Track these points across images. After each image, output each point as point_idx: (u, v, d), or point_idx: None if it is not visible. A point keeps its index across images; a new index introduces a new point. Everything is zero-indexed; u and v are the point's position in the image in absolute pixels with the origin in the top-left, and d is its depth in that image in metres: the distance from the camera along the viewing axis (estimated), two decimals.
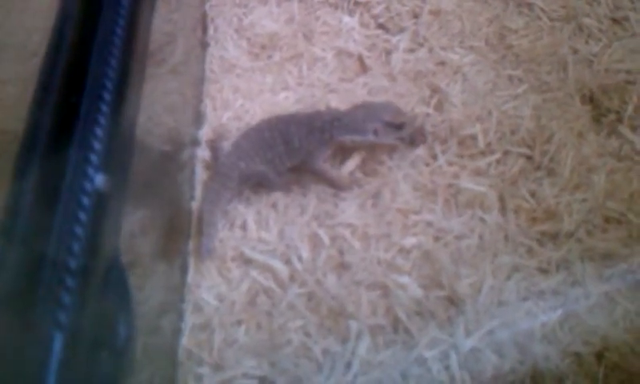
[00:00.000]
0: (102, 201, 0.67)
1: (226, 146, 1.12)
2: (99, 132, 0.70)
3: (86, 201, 0.65)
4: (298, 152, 1.06)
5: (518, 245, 0.98)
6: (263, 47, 1.29)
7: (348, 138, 1.05)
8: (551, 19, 1.26)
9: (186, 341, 0.93)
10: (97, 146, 0.69)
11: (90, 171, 0.67)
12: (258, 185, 1.07)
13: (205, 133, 1.16)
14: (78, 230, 0.63)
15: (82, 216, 0.64)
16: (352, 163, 1.08)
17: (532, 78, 1.17)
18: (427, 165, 1.07)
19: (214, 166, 1.11)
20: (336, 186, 1.06)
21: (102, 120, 0.72)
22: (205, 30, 1.34)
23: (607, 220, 1.00)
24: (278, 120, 1.09)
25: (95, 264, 0.64)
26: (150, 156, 0.94)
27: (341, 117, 1.06)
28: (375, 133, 1.05)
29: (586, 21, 1.25)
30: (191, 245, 1.02)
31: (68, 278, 0.59)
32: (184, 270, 1.00)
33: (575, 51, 1.21)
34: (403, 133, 1.06)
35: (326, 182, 1.06)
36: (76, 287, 0.59)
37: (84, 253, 0.62)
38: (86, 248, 0.63)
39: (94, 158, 0.68)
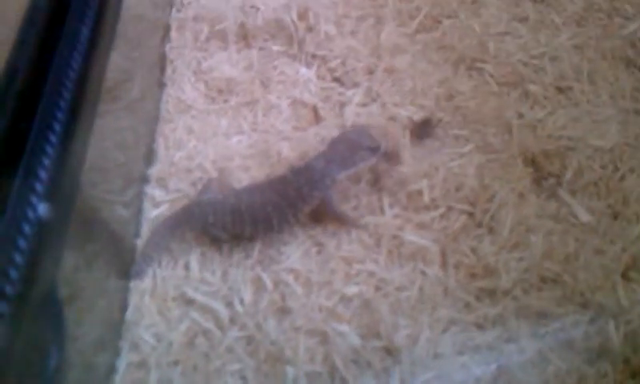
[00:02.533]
0: (43, 230, 0.67)
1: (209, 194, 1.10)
2: (46, 161, 0.71)
3: (27, 229, 0.65)
4: (300, 210, 1.05)
5: (457, 299, 1.00)
6: (220, 91, 1.30)
7: (344, 174, 1.07)
8: (499, 84, 1.30)
9: (120, 379, 0.92)
10: (43, 175, 0.70)
11: (34, 199, 0.67)
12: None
13: (155, 171, 1.16)
14: (17, 257, 0.63)
15: (22, 243, 0.64)
16: None
17: (478, 139, 1.20)
18: (374, 215, 1.09)
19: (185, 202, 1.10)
20: (349, 224, 1.08)
21: (50, 150, 0.72)
22: (163, 70, 1.35)
23: (543, 279, 1.02)
24: (267, 186, 1.07)
25: (31, 293, 0.63)
26: (97, 190, 0.94)
27: (330, 157, 1.07)
28: (362, 159, 1.07)
29: (532, 88, 1.29)
30: (132, 282, 1.02)
31: (2, 304, 0.59)
32: (123, 307, 0.99)
33: (520, 116, 1.24)
34: (380, 153, 1.09)
35: (343, 222, 1.08)
36: (10, 314, 0.59)
37: (21, 280, 0.62)
38: (24, 276, 0.62)
39: (39, 186, 0.68)
